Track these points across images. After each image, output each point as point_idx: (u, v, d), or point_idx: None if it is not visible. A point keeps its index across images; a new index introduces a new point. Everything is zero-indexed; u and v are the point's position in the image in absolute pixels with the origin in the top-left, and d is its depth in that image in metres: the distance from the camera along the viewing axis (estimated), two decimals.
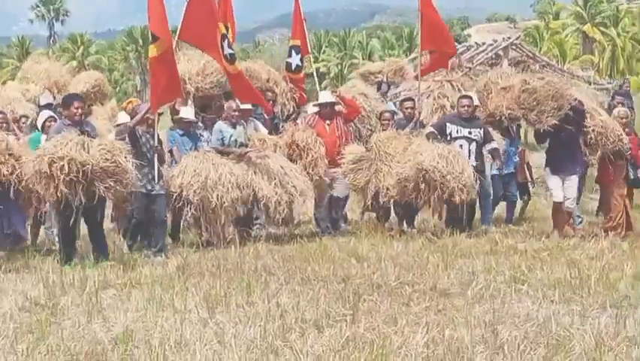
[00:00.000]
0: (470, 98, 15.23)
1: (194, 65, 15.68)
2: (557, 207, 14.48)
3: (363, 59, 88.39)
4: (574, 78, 25.40)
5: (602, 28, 72.72)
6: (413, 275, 10.40)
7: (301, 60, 17.77)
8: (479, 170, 14.46)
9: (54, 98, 17.94)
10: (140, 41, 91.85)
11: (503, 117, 14.75)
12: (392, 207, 15.48)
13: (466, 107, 14.86)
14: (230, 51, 14.29)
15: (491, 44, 27.13)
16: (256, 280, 10.19)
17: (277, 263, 11.61)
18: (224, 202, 13.42)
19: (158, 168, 13.03)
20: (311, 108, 16.28)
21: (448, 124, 14.86)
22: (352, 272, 10.70)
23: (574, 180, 14.46)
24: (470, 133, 14.68)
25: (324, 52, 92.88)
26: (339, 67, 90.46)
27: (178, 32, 14.02)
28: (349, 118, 15.74)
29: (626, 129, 14.91)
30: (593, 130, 14.27)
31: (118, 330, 7.86)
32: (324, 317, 8.20)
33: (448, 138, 14.58)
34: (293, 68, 17.73)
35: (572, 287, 9.55)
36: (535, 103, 14.03)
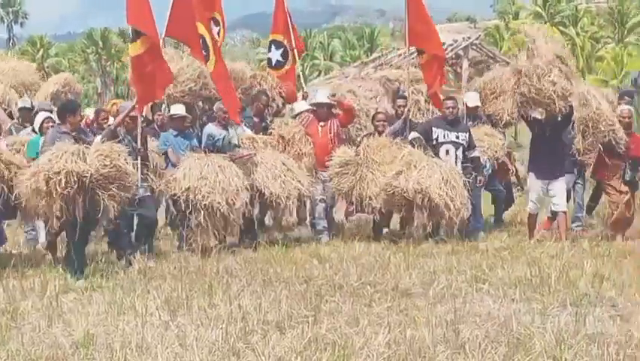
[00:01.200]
0: (454, 99, 14.86)
1: (173, 67, 14.93)
2: (529, 217, 14.32)
3: (324, 59, 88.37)
4: None
5: (561, 28, 72.94)
6: (375, 275, 10.45)
7: (282, 55, 17.20)
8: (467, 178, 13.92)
9: (32, 103, 17.33)
10: (100, 43, 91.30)
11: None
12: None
13: (450, 109, 14.39)
14: (204, 52, 13.77)
15: (451, 44, 27.11)
16: (218, 283, 10.18)
17: (239, 265, 11.61)
18: (235, 206, 12.81)
19: (143, 172, 12.53)
20: (298, 106, 15.98)
21: (434, 128, 14.29)
22: (314, 273, 10.75)
23: (561, 183, 14.10)
24: (457, 137, 14.18)
25: None
26: (301, 68, 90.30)
27: (165, 28, 13.64)
28: (345, 123, 15.27)
29: (629, 129, 14.44)
30: (587, 115, 13.92)
31: (79, 334, 7.80)
32: (286, 319, 8.21)
33: (434, 142, 14.14)
34: (273, 64, 17.28)
35: (532, 286, 9.63)
36: (529, 96, 13.87)
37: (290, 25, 17.43)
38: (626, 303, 8.81)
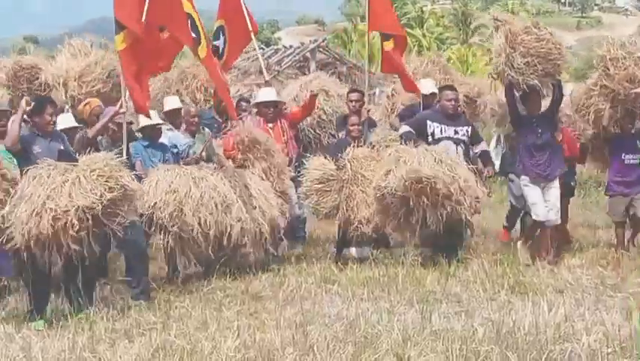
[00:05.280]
0: (454, 89, 12.65)
1: (78, 63, 13.65)
2: (540, 228, 11.87)
3: None
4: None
5: (407, 30, 74.44)
6: (225, 280, 10.45)
7: (225, 43, 14.21)
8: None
9: None
10: None
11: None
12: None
13: (452, 102, 12.26)
14: (193, 35, 11.38)
15: (299, 47, 27.40)
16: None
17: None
18: (208, 227, 10.47)
19: None
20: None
21: (429, 122, 12.13)
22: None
23: (556, 184, 11.90)
24: (456, 133, 12.18)
25: None
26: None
27: (144, 15, 11.15)
28: (300, 118, 13.47)
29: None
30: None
31: None
32: (134, 326, 8.16)
33: (430, 139, 12.07)
34: (220, 53, 14.19)
35: (380, 285, 9.78)
36: (530, 50, 11.29)
37: (244, 6, 14.23)
38: (470, 299, 9.02)
